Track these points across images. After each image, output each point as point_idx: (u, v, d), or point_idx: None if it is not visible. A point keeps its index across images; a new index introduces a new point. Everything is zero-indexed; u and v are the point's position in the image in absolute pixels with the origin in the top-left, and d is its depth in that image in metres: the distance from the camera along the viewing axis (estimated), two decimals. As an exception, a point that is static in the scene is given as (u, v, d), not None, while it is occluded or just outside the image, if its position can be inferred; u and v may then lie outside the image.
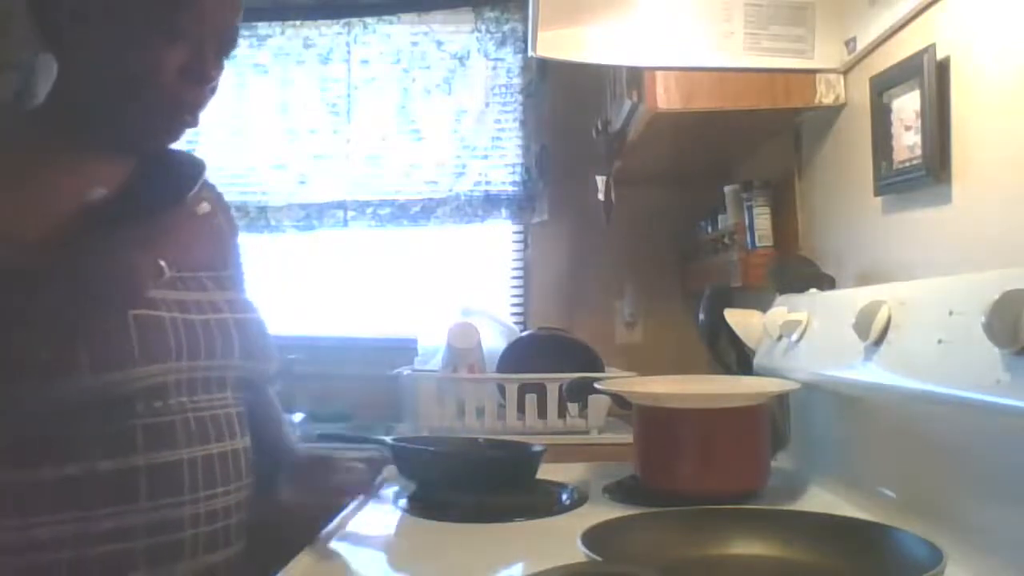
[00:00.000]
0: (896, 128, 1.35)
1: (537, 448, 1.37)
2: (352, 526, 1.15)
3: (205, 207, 1.12)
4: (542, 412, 1.96)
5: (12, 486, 0.91)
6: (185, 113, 1.06)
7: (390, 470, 1.43)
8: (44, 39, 1.04)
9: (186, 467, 1.00)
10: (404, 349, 2.50)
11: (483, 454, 1.45)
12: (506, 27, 2.80)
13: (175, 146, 1.11)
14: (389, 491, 1.32)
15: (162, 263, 0.99)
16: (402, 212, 2.80)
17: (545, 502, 1.23)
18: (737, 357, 1.79)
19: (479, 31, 2.81)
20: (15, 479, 0.91)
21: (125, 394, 0.95)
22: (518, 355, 2.09)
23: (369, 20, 2.82)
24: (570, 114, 2.67)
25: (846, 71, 1.58)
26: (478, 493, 1.22)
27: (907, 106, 1.30)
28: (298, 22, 2.82)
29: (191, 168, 1.09)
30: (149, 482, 0.96)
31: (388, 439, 1.38)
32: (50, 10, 1.02)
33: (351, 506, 1.23)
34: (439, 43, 2.81)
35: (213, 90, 1.07)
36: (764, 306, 1.54)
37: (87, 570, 0.93)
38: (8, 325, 0.91)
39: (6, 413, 0.91)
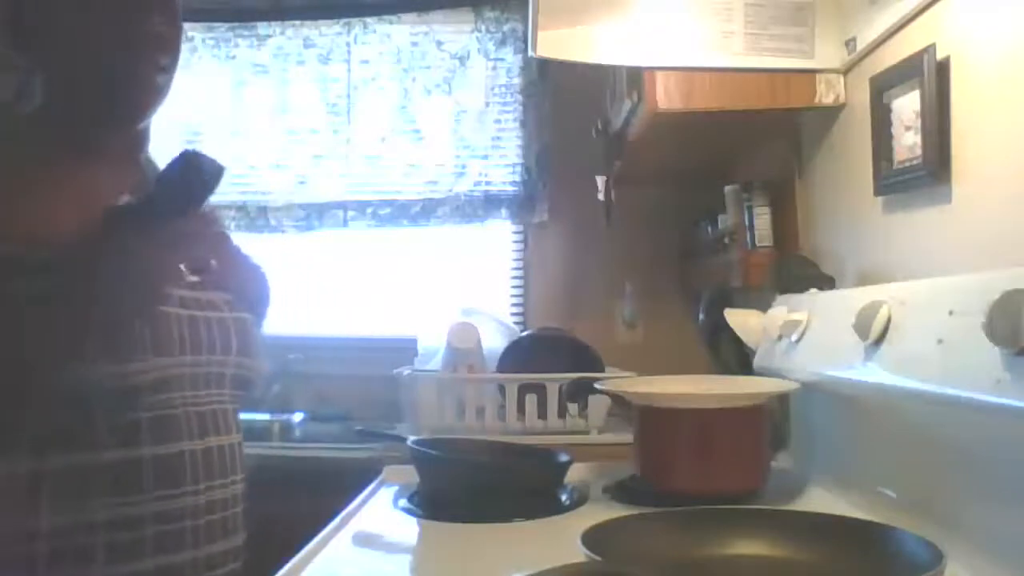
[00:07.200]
0: (896, 128, 1.34)
1: (564, 458, 1.35)
2: (352, 526, 1.15)
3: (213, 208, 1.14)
4: (542, 412, 1.96)
5: (21, 476, 0.92)
6: (156, 99, 1.07)
7: (391, 470, 1.42)
8: (23, 44, 1.04)
9: (187, 459, 1.03)
10: (404, 349, 2.50)
11: (517, 464, 1.40)
12: (506, 27, 2.80)
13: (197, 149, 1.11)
14: (389, 491, 1.32)
15: (182, 267, 1.03)
16: (402, 212, 2.79)
17: (545, 502, 1.23)
18: (737, 357, 1.79)
19: (479, 31, 2.80)
20: (24, 469, 0.93)
21: (133, 385, 0.97)
22: (518, 355, 2.09)
23: (369, 20, 2.82)
24: (570, 114, 2.66)
25: (846, 71, 1.58)
26: (505, 502, 1.20)
27: (907, 106, 1.30)
28: (298, 22, 2.82)
29: (211, 171, 1.09)
30: (154, 472, 0.99)
31: (410, 440, 1.35)
32: (34, 19, 1.02)
33: (350, 506, 1.23)
34: (439, 43, 2.81)
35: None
36: (764, 306, 1.54)
37: (94, 557, 0.94)
38: (26, 313, 0.91)
39: (20, 402, 0.92)
